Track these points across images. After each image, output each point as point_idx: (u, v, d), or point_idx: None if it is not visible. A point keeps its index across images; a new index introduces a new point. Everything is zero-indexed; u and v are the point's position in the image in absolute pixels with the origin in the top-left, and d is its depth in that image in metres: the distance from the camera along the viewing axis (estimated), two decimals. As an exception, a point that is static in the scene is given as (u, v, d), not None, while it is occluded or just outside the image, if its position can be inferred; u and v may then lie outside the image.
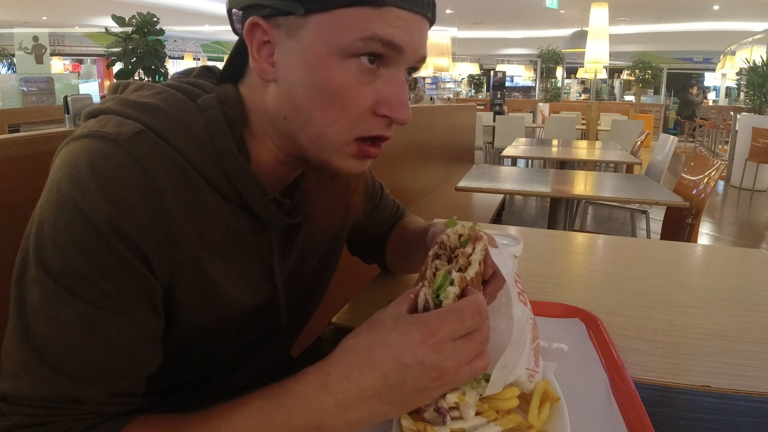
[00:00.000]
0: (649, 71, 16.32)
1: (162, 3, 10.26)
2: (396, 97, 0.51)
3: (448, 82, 17.68)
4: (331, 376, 0.44)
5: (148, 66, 5.64)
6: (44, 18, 12.40)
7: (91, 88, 8.82)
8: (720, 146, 9.65)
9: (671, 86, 16.80)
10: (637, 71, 16.44)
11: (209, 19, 13.32)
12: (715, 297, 0.92)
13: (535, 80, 18.08)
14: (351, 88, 0.50)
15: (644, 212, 3.01)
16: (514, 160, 5.31)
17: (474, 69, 18.13)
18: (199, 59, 16.59)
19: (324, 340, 0.76)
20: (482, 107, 9.35)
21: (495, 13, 13.02)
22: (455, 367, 0.43)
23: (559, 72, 16.87)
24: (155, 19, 5.72)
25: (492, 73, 10.94)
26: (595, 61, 5.90)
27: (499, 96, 10.22)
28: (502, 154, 3.62)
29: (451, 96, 15.69)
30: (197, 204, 0.51)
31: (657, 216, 3.18)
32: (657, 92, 16.66)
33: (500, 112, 9.29)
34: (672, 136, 3.14)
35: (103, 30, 5.99)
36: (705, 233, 4.52)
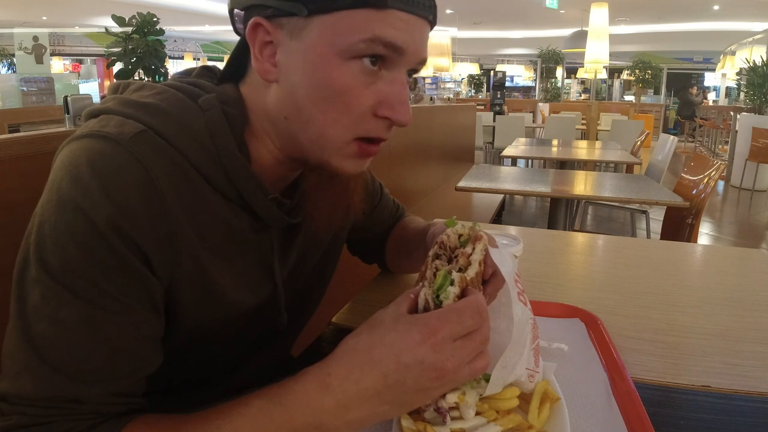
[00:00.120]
0: (649, 71, 16.32)
1: (162, 3, 10.26)
2: (397, 98, 0.52)
3: (448, 82, 17.69)
4: (331, 376, 0.44)
5: (148, 66, 5.65)
6: (44, 18, 12.40)
7: (91, 88, 8.82)
8: (720, 146, 9.65)
9: (671, 86, 16.80)
10: (637, 71, 16.44)
11: (209, 19, 13.32)
12: (715, 297, 0.92)
13: (535, 80, 18.08)
14: (352, 88, 0.50)
15: (644, 212, 3.01)
16: (514, 160, 5.31)
17: (474, 69, 18.13)
18: (199, 59, 16.59)
19: (324, 340, 0.76)
20: (482, 107, 9.35)
21: (495, 13, 13.02)
22: (455, 367, 0.43)
23: (559, 72, 16.87)
24: (155, 19, 5.72)
25: (492, 73, 10.94)
26: (595, 61, 5.90)
27: (499, 96, 10.22)
28: (502, 154, 3.62)
29: (451, 96, 15.70)
30: (198, 204, 0.51)
31: (657, 216, 3.18)
32: (657, 92, 16.66)
33: (500, 112, 9.29)
34: (672, 136, 3.14)
35: (103, 30, 5.99)
36: (705, 233, 4.52)
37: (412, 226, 0.85)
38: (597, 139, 6.00)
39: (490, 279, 0.53)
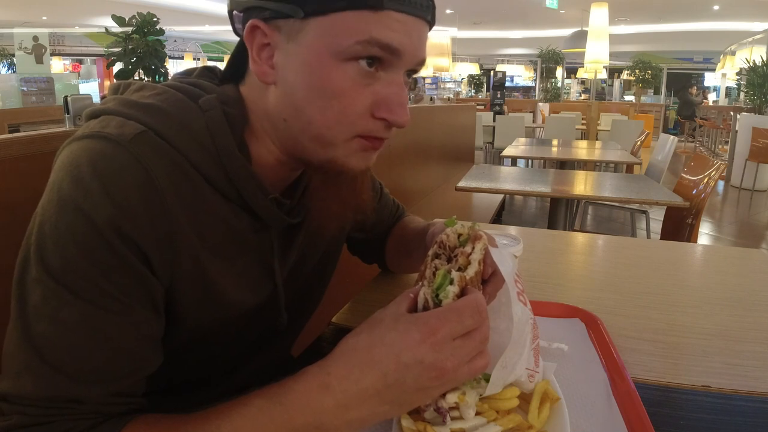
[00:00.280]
0: (649, 71, 16.32)
1: (162, 3, 10.26)
2: (394, 99, 0.51)
3: (448, 82, 17.68)
4: (330, 376, 0.44)
5: (148, 66, 5.65)
6: (44, 18, 12.40)
7: (91, 88, 8.82)
8: (720, 146, 9.65)
9: (671, 86, 16.80)
10: (637, 71, 16.44)
11: (209, 19, 13.32)
12: (715, 297, 0.92)
13: (535, 80, 18.08)
14: (349, 90, 0.50)
15: (644, 212, 3.01)
16: (514, 160, 5.31)
17: (474, 69, 18.13)
18: (199, 59, 16.59)
19: (324, 340, 0.76)
20: (482, 107, 9.35)
21: (495, 13, 13.02)
22: (455, 366, 0.43)
23: (559, 72, 16.86)
24: (155, 19, 5.72)
25: (492, 73, 10.94)
26: (595, 61, 5.90)
27: (499, 96, 10.22)
28: (502, 154, 3.62)
29: (451, 96, 15.69)
30: (198, 204, 0.51)
31: (657, 216, 3.18)
32: (657, 92, 16.66)
33: (500, 112, 9.29)
34: (672, 136, 3.14)
35: (103, 30, 5.99)
36: (705, 233, 4.52)
37: (412, 225, 0.85)
38: (597, 139, 6.00)
39: (489, 279, 0.54)
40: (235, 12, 0.53)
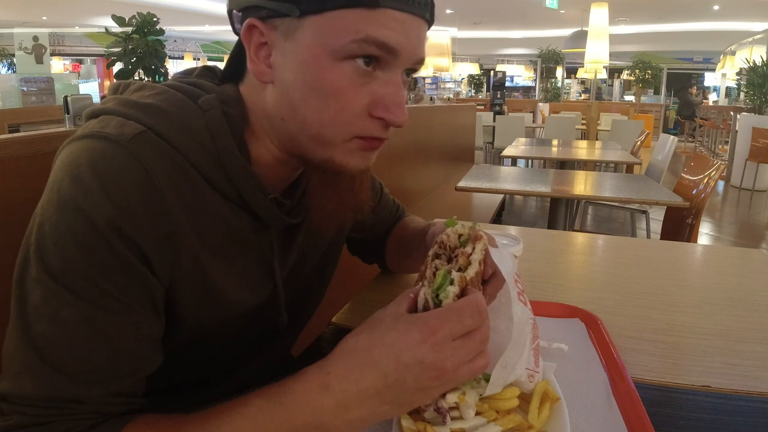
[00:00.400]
0: (649, 71, 16.32)
1: (162, 3, 10.26)
2: (392, 99, 0.51)
3: (448, 82, 17.69)
4: (330, 376, 0.44)
5: (148, 66, 5.65)
6: (44, 18, 12.40)
7: (91, 88, 8.82)
8: (720, 146, 9.65)
9: (671, 86, 16.80)
10: (637, 71, 16.44)
11: (209, 19, 13.32)
12: (715, 297, 0.92)
13: (535, 80, 18.08)
14: (346, 89, 0.50)
15: (644, 212, 3.01)
16: (514, 160, 5.31)
17: (474, 69, 18.13)
18: (199, 59, 16.59)
19: (324, 340, 0.76)
20: (482, 107, 9.34)
21: (495, 13, 13.02)
22: (455, 366, 0.43)
23: (559, 72, 16.86)
24: (155, 19, 5.73)
25: (492, 73, 10.94)
26: (595, 61, 5.90)
27: (499, 96, 10.21)
28: (502, 154, 3.62)
29: (451, 96, 15.70)
30: (198, 204, 0.51)
31: (657, 216, 3.18)
32: (657, 92, 16.66)
33: (500, 112, 9.28)
34: (672, 136, 3.14)
35: (103, 30, 6.00)
36: (705, 233, 4.52)
37: (412, 225, 0.85)
38: (597, 139, 6.00)
39: (490, 279, 0.53)
40: (234, 11, 0.53)
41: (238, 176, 0.53)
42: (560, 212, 2.54)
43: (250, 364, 0.69)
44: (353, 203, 0.59)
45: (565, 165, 3.69)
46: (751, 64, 6.83)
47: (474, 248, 0.51)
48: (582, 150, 3.89)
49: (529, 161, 5.99)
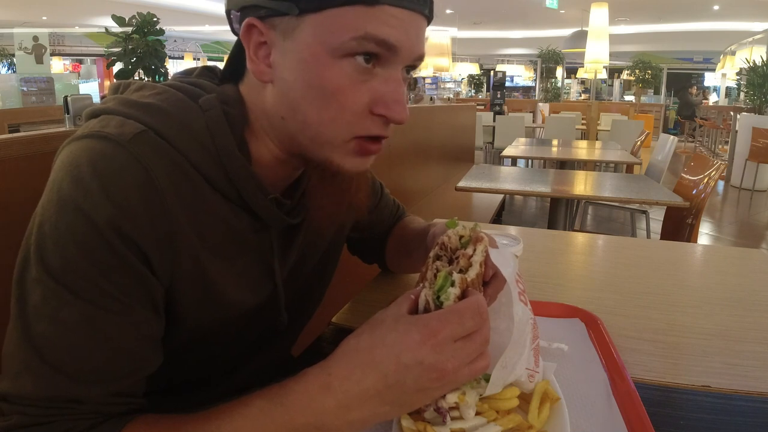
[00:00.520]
0: (649, 71, 16.32)
1: (162, 3, 10.25)
2: (392, 96, 0.51)
3: (448, 82, 17.68)
4: (332, 377, 0.44)
5: (148, 66, 5.65)
6: (44, 18, 12.40)
7: (91, 88, 8.82)
8: (720, 146, 9.65)
9: (671, 86, 16.80)
10: (637, 71, 16.43)
11: (209, 19, 13.32)
12: (715, 297, 0.92)
13: (535, 80, 18.08)
14: (347, 87, 0.50)
15: (644, 212, 3.01)
16: (514, 160, 5.31)
17: (474, 69, 18.13)
18: (199, 59, 16.59)
19: (324, 340, 0.76)
20: (482, 107, 9.34)
21: (495, 13, 13.02)
22: (455, 367, 0.43)
23: (559, 72, 16.86)
24: (155, 19, 5.73)
25: (492, 73, 10.93)
26: (595, 61, 5.90)
27: (499, 96, 10.21)
28: (502, 154, 3.62)
29: (451, 96, 15.69)
30: (198, 204, 0.51)
31: (657, 216, 3.18)
32: (657, 92, 16.66)
33: (500, 112, 9.28)
34: (672, 136, 3.14)
35: (103, 30, 6.00)
36: (705, 233, 4.52)
37: (413, 226, 0.85)
38: (597, 139, 6.00)
39: (490, 280, 0.53)
40: (233, 11, 0.53)
41: (238, 176, 0.53)
42: (560, 212, 2.54)
43: (250, 364, 0.69)
44: (351, 204, 0.59)
45: (565, 165, 3.69)
46: (751, 64, 6.83)
47: (475, 250, 0.51)
48: (582, 150, 3.89)
49: (529, 161, 5.99)
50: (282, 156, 0.57)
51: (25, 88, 6.61)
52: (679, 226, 2.15)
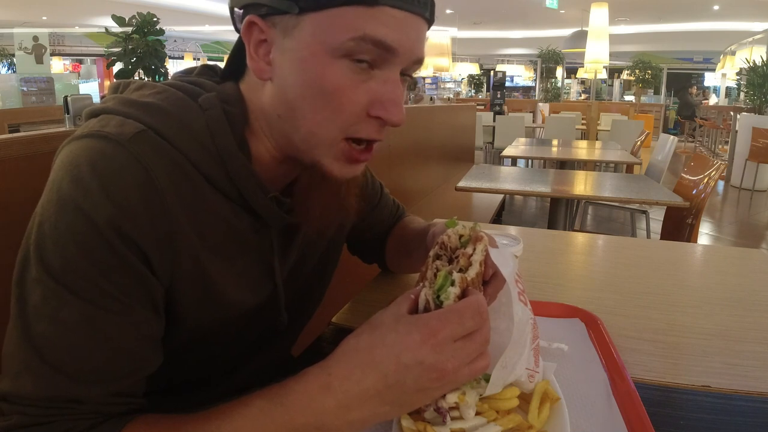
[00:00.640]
0: (649, 71, 16.32)
1: (162, 3, 10.25)
2: (389, 97, 0.51)
3: (448, 82, 17.69)
4: (332, 377, 0.44)
5: (148, 66, 5.65)
6: (44, 18, 12.40)
7: (91, 88, 8.82)
8: (720, 146, 9.65)
9: (671, 86, 16.80)
10: (637, 71, 16.43)
11: (209, 19, 13.32)
12: (715, 297, 0.92)
13: (535, 80, 18.07)
14: (345, 87, 0.50)
15: (644, 212, 3.01)
16: (514, 160, 5.31)
17: (474, 69, 18.13)
18: (199, 59, 16.58)
19: (324, 340, 0.76)
20: (482, 107, 9.34)
21: (495, 13, 13.02)
22: (455, 367, 0.43)
23: (559, 72, 16.86)
24: (155, 19, 5.73)
25: (492, 73, 10.92)
26: (595, 61, 5.90)
27: (499, 96, 10.20)
28: (502, 154, 3.62)
29: (451, 96, 15.70)
30: (198, 203, 0.51)
31: (657, 216, 3.18)
32: (657, 92, 16.65)
33: (500, 112, 9.28)
34: (672, 136, 3.14)
35: (103, 30, 6.00)
36: (705, 233, 4.52)
37: (413, 226, 0.85)
38: (597, 139, 5.99)
39: (490, 280, 0.53)
40: (235, 9, 0.53)
41: (239, 175, 0.53)
42: (560, 212, 2.54)
43: (250, 364, 0.69)
44: (338, 205, 0.59)
45: (565, 165, 3.69)
46: (751, 64, 6.83)
47: (475, 249, 0.51)
48: (582, 150, 3.89)
49: (529, 161, 5.99)
50: (278, 155, 0.57)
51: (25, 88, 6.62)
52: (679, 226, 2.15)
